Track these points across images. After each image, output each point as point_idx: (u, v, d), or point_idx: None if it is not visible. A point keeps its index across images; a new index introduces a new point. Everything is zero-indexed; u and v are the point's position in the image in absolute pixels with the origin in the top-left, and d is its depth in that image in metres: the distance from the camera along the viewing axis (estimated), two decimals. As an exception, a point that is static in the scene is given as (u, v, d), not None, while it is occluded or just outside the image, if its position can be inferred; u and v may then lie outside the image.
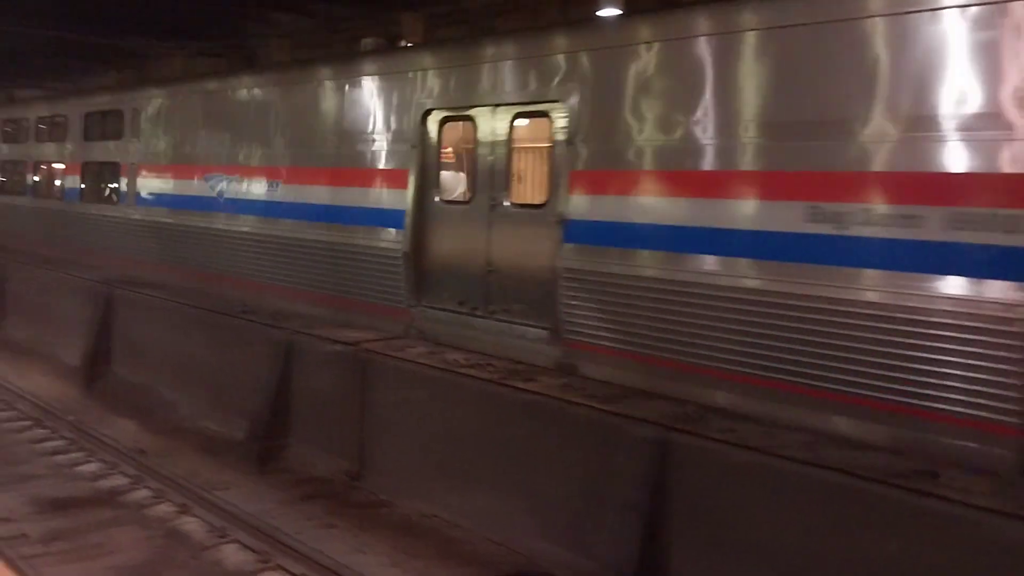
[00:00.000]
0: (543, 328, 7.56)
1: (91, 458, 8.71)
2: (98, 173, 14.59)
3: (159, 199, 12.78)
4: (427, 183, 8.71)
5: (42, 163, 16.69)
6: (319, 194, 9.89)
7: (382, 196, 9.09)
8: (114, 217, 13.84)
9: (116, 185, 13.92)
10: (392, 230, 8.87)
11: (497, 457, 6.91)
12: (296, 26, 24.46)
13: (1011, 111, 5.05)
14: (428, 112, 8.69)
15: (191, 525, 7.17)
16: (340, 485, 7.91)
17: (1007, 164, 5.07)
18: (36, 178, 16.86)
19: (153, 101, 13.29)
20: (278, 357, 8.77)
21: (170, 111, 12.88)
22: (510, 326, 7.89)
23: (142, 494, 7.81)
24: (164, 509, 7.49)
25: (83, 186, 15.00)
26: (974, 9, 5.20)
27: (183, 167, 12.29)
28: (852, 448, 5.48)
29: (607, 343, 7.06)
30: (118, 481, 8.11)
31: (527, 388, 6.77)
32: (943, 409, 5.29)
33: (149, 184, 13.06)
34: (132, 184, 13.43)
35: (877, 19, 5.61)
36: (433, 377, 7.43)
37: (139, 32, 25.66)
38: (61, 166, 15.87)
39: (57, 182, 15.97)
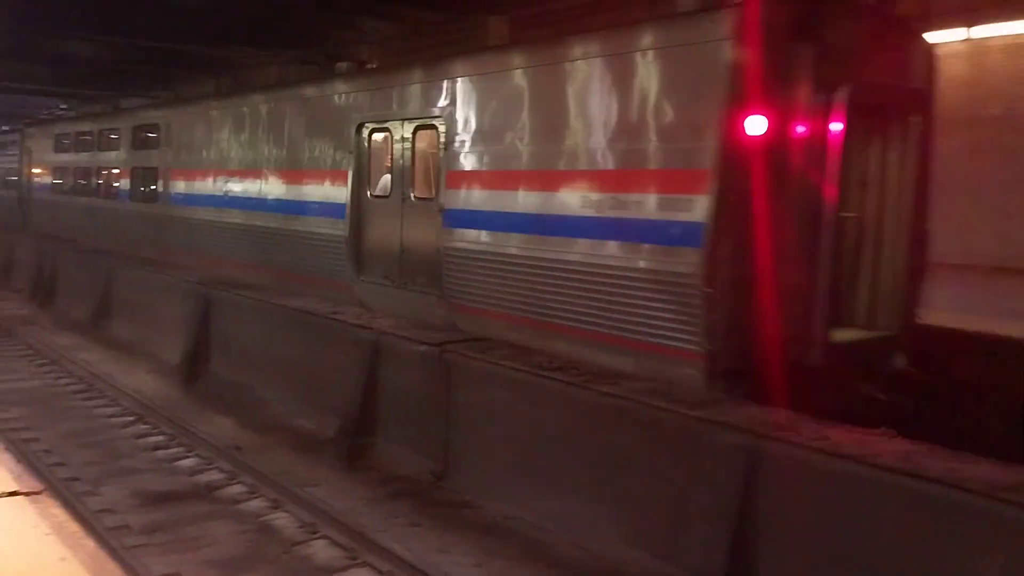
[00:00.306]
0: (434, 295, 9.30)
1: (190, 453, 8.99)
2: (143, 177, 16.65)
3: (182, 197, 15.03)
4: (361, 181, 10.57)
5: (103, 168, 18.75)
6: (287, 190, 11.92)
7: (330, 192, 10.97)
8: (152, 213, 15.99)
9: (154, 186, 16.06)
10: (338, 220, 10.71)
11: (581, 460, 6.88)
12: (386, 33, 24.90)
13: (684, 129, 6.85)
14: (361, 125, 10.53)
15: (283, 520, 7.33)
16: (426, 484, 7.99)
17: (682, 163, 6.84)
18: (100, 181, 18.97)
19: (177, 117, 15.75)
20: (365, 357, 8.92)
21: (185, 126, 15.25)
22: (415, 294, 9.69)
23: (237, 489, 8.02)
24: (258, 504, 7.68)
25: (131, 187, 17.11)
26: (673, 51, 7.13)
27: (196, 171, 14.52)
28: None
29: (472, 303, 8.84)
30: (215, 476, 8.36)
31: (611, 391, 6.72)
32: (657, 340, 6.93)
33: (176, 185, 15.26)
34: (166, 185, 15.59)
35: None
36: (516, 379, 7.42)
37: (238, 42, 26.54)
38: (117, 171, 18.01)
39: (114, 184, 18.08)
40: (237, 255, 13.10)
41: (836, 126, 6.76)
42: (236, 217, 13.07)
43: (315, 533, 7.03)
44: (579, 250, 7.63)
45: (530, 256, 8.07)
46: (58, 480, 7.88)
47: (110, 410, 10.63)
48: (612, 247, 7.36)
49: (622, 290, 7.20)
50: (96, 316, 15.38)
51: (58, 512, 3.76)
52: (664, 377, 6.87)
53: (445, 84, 9.34)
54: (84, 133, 20.26)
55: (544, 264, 7.92)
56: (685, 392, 6.61)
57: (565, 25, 20.37)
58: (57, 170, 21.36)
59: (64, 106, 35.45)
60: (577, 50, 8.07)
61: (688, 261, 6.68)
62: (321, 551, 6.77)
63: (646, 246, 7.08)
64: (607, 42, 7.84)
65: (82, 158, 19.92)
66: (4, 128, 26.64)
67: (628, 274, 7.18)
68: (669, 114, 6.99)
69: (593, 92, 7.69)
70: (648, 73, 7.22)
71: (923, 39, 7.94)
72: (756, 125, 6.47)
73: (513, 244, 8.31)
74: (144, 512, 7.47)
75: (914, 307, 7.77)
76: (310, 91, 12.20)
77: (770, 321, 6.57)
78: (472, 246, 8.78)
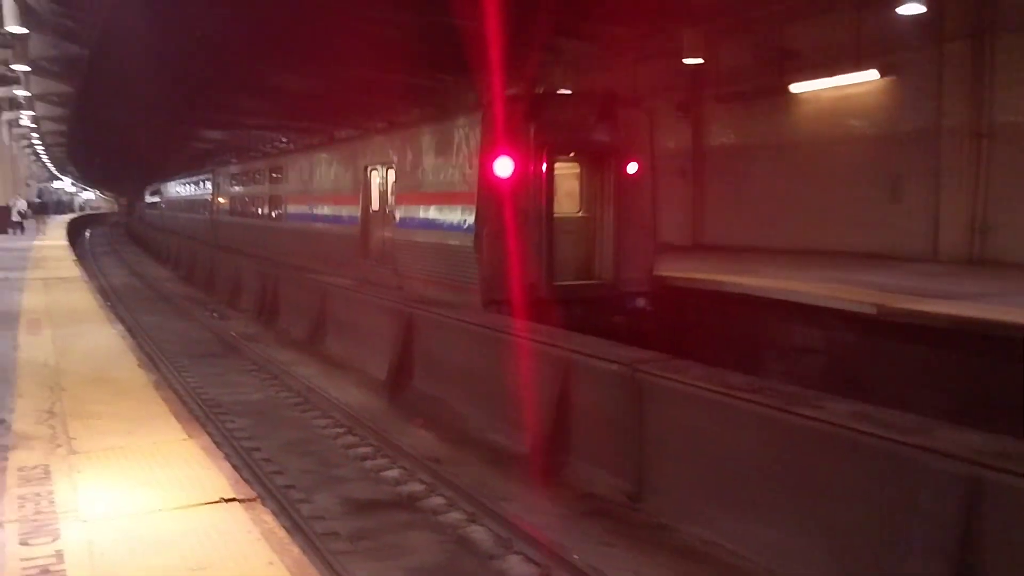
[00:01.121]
0: (392, 269, 15.06)
1: (393, 464, 9.39)
2: (274, 203, 23.81)
3: (286, 216, 22.40)
4: (366, 202, 16.63)
5: (256, 197, 26.05)
6: (328, 209, 18.69)
7: (350, 210, 17.30)
8: (277, 227, 23.21)
9: (278, 210, 23.27)
10: (354, 225, 17.04)
11: (783, 486, 6.56)
12: (580, 52, 25.13)
13: (470, 169, 12.29)
14: (366, 166, 16.61)
15: (479, 534, 7.49)
16: (618, 505, 7.91)
17: (468, 188, 12.30)
18: (253, 207, 26.36)
19: (287, 162, 23.47)
20: (556, 375, 8.97)
21: (289, 168, 22.82)
22: (387, 269, 15.33)
23: (436, 501, 8.28)
24: (455, 516, 7.89)
25: (268, 210, 24.49)
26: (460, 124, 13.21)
27: (292, 198, 21.90)
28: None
29: (406, 272, 14.63)
30: (416, 487, 8.68)
31: (813, 415, 6.37)
32: (463, 284, 12.24)
33: (286, 208, 22.52)
34: (283, 209, 22.77)
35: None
36: (712, 400, 7.20)
37: (441, 70, 27.81)
38: (261, 199, 25.32)
39: (261, 209, 25.37)
40: (307, 252, 19.83)
41: (544, 166, 12.20)
42: (306, 226, 20.42)
43: (509, 548, 7.12)
44: (434, 237, 13.52)
45: (419, 242, 14.15)
46: (275, 487, 8.48)
47: (323, 421, 11.32)
48: (445, 234, 13.13)
49: (451, 258, 12.92)
50: (312, 333, 16.48)
51: (269, 519, 4.01)
52: (467, 304, 12.18)
53: (393, 141, 15.81)
54: (245, 172, 28.01)
55: (423, 246, 13.93)
56: (895, 416, 6.18)
57: (763, 32, 19.77)
58: (231, 199, 29.39)
59: (284, 139, 38.86)
60: (430, 124, 14.69)
61: (470, 240, 12.24)
62: (515, 566, 6.85)
63: (458, 233, 12.66)
64: (442, 120, 14.51)
65: (244, 190, 27.69)
66: (209, 168, 34.89)
67: (451, 249, 12.87)
68: (464, 161, 12.64)
69: (436, 148, 13.69)
70: (458, 140, 12.88)
71: (639, 111, 13.54)
72: (500, 166, 11.86)
73: (413, 236, 14.40)
74: (351, 519, 7.87)
75: (651, 270, 13.18)
76: (343, 145, 19.59)
77: (514, 274, 11.66)
78: (404, 238, 14.73)
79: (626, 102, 13.74)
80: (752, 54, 20.02)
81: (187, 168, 41.51)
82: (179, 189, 41.30)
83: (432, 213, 13.64)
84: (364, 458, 9.73)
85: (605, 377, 8.37)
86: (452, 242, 12.85)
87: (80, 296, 13.74)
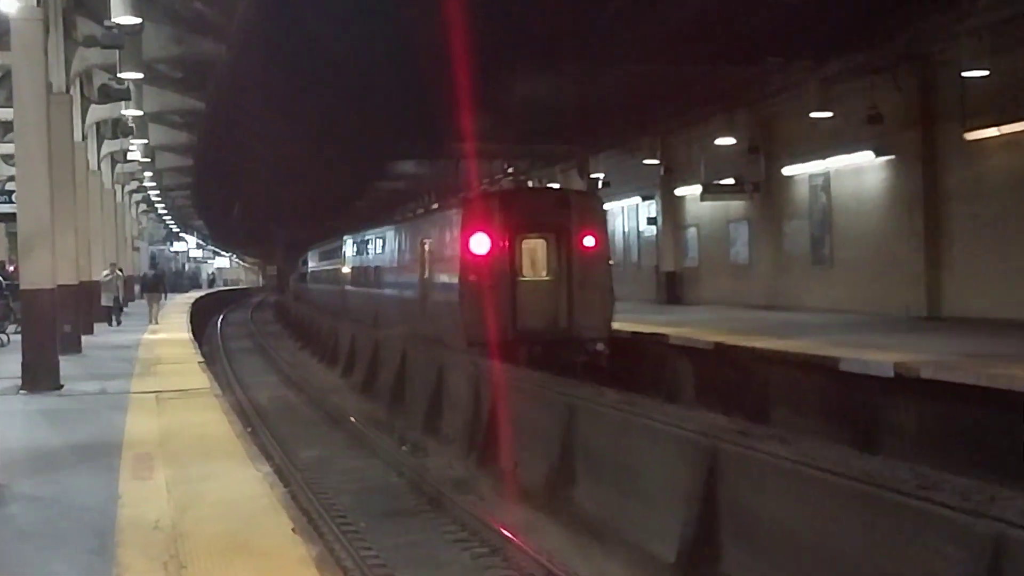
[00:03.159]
0: (423, 313, 31.21)
1: None
2: (366, 272, 40.97)
3: (360, 281, 43.62)
4: (427, 267, 31.08)
5: (362, 270, 43.71)
6: (399, 276, 36.44)
7: (413, 277, 33.03)
8: (364, 292, 41.79)
9: (367, 278, 40.63)
10: (416, 288, 32.10)
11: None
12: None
13: (455, 247, 27.97)
14: (422, 240, 31.44)
15: None
16: None
17: (455, 261, 28.17)
18: (360, 275, 44.67)
19: (372, 233, 43.22)
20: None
21: (369, 243, 41.67)
22: (429, 314, 32.03)
23: None
24: None
25: (364, 277, 41.53)
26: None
27: (373, 269, 41.29)
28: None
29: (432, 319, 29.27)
30: None
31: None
32: (452, 332, 27.37)
33: (368, 278, 40.98)
34: (378, 278, 39.09)
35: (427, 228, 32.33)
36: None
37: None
38: (378, 269, 40.44)
39: (366, 275, 41.72)
40: (380, 312, 37.08)
41: (509, 243, 25.93)
42: (377, 290, 39.75)
43: None
44: (439, 295, 28.84)
45: (437, 299, 29.38)
46: None
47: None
48: (446, 292, 27.82)
49: (448, 309, 27.45)
50: (554, 477, 15.78)
51: None
52: (455, 345, 25.26)
53: (430, 225, 32.00)
54: (362, 241, 44.68)
55: (439, 300, 28.98)
56: None
57: None
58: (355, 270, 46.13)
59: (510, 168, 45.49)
60: (436, 214, 35.31)
61: (456, 297, 25.70)
62: None
63: (451, 293, 26.83)
64: (441, 211, 34.27)
65: (359, 261, 45.53)
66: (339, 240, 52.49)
67: (447, 303, 27.35)
68: (454, 242, 27.07)
69: (443, 232, 29.65)
70: (451, 225, 27.95)
71: (592, 198, 32.91)
72: (477, 243, 25.48)
73: (435, 291, 29.53)
74: None
75: (608, 321, 26.45)
76: (405, 225, 37.27)
77: (489, 323, 24.31)
78: (432, 295, 30.00)
79: (579, 193, 34.59)
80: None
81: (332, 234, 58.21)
82: (321, 256, 63.43)
83: (441, 278, 28.53)
84: None
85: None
86: (447, 298, 27.79)
87: (209, 418, 14.43)
